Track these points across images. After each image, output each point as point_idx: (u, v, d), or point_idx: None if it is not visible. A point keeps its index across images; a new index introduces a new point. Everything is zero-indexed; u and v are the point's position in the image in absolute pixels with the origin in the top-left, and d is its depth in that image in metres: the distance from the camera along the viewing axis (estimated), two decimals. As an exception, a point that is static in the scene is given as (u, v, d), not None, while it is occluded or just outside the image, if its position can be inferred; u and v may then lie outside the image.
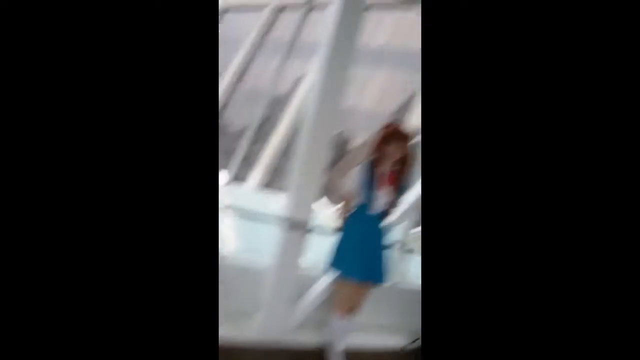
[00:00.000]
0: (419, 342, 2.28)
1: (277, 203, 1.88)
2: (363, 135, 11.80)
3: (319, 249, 2.99)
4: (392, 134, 1.73)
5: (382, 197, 1.74)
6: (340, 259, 1.77)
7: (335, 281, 1.85)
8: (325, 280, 2.01)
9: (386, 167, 1.75)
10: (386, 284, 1.83)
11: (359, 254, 1.74)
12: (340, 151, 11.96)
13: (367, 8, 1.87)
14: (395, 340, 2.30)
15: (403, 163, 1.76)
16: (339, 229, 1.81)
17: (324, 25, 1.77)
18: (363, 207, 1.77)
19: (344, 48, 1.74)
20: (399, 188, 1.78)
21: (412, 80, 11.71)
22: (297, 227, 1.82)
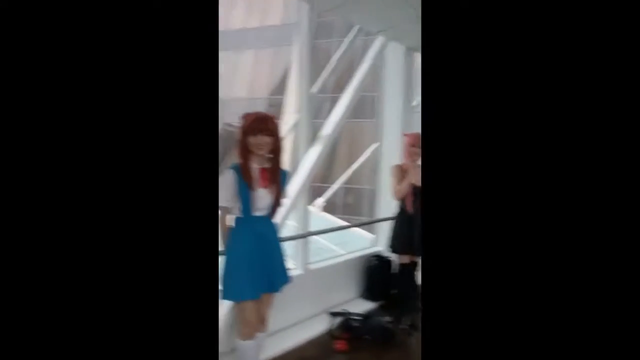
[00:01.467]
0: (339, 319, 2.28)
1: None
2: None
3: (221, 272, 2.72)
4: (250, 126, 1.48)
5: (258, 201, 1.52)
6: (231, 285, 1.52)
7: (234, 305, 1.63)
8: (226, 305, 1.78)
9: (256, 166, 1.52)
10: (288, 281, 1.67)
11: (250, 270, 1.51)
12: (227, 146, 11.57)
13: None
14: (317, 328, 2.26)
15: (275, 156, 1.54)
16: (223, 248, 1.56)
17: None
18: (242, 218, 1.53)
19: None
20: (278, 184, 1.56)
21: (279, 57, 11.79)
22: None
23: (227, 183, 1.48)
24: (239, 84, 11.98)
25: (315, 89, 2.41)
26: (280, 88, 11.28)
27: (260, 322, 1.63)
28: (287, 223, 2.11)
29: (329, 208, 5.39)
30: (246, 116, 1.52)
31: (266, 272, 1.56)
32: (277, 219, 1.72)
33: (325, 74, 3.05)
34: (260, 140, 1.46)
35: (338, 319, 2.33)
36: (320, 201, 5.18)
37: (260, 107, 11.38)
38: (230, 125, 12.42)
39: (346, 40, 2.77)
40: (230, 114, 12.06)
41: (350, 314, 2.33)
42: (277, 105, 10.89)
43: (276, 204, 1.57)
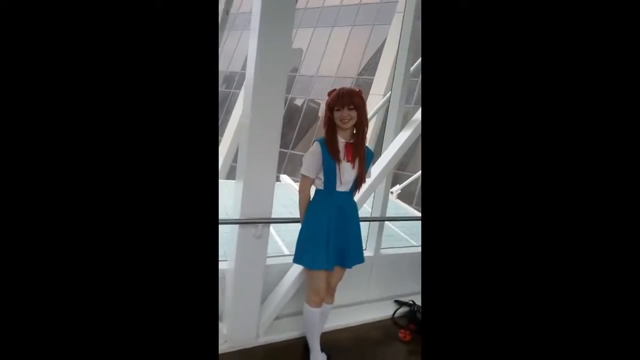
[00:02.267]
0: (405, 308, 2.26)
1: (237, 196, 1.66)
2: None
3: (291, 237, 2.86)
4: (335, 100, 1.49)
5: (344, 174, 1.53)
6: (305, 252, 1.59)
7: (305, 271, 1.70)
8: (295, 270, 1.87)
9: (341, 140, 1.54)
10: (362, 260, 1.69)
11: (325, 242, 1.55)
12: (310, 121, 11.86)
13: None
14: (382, 311, 2.27)
15: (359, 130, 1.54)
16: (303, 217, 1.62)
17: None
18: (325, 190, 1.56)
19: (277, 10, 1.46)
20: (362, 159, 1.55)
21: (373, 36, 11.49)
22: (255, 222, 1.62)
23: (313, 155, 1.52)
24: (329, 62, 12.03)
25: (412, 71, 2.31)
26: (369, 68, 11.05)
27: (328, 293, 1.69)
28: (363, 206, 2.11)
29: (404, 196, 5.24)
30: (332, 91, 1.53)
31: (341, 247, 1.59)
32: (357, 197, 1.73)
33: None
34: (345, 114, 1.48)
35: (404, 309, 2.30)
36: (397, 188, 5.05)
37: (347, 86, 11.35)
38: (313, 101, 12.68)
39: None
40: (315, 91, 12.28)
41: (416, 305, 2.28)
42: (365, 86, 10.74)
43: (359, 181, 1.57)
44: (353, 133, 1.54)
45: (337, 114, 1.49)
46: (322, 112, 12.26)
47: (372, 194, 2.24)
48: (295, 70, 12.35)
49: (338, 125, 1.51)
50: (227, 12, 1.95)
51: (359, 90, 1.53)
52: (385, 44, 10.56)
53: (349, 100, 1.47)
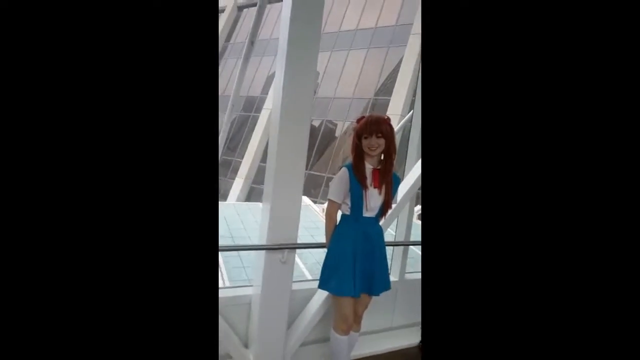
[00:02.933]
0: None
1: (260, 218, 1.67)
2: (345, 122, 11.73)
3: (312, 260, 2.83)
4: (363, 128, 1.51)
5: (370, 201, 1.53)
6: (332, 278, 1.57)
7: (331, 297, 1.67)
8: (320, 295, 1.85)
9: (368, 166, 1.54)
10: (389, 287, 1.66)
11: (352, 269, 1.54)
12: (327, 142, 11.96)
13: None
14: (408, 338, 2.20)
15: (386, 157, 1.55)
16: (328, 241, 1.61)
17: (281, 16, 1.54)
18: (352, 216, 1.56)
19: (303, 36, 1.52)
20: (389, 185, 1.55)
21: (388, 58, 11.65)
22: (280, 247, 1.62)
23: (340, 180, 1.53)
24: (345, 84, 12.23)
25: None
26: (385, 89, 11.16)
27: (355, 321, 1.65)
28: (387, 230, 2.08)
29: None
30: (360, 118, 1.55)
31: (368, 273, 1.57)
32: (383, 222, 1.71)
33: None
34: (373, 142, 1.49)
35: (431, 335, 2.21)
36: (417, 208, 4.98)
37: (365, 107, 11.47)
38: (331, 122, 12.83)
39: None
40: (333, 112, 12.44)
41: (444, 333, 2.19)
42: (382, 106, 10.81)
43: (386, 207, 1.57)
44: (381, 159, 1.55)
45: (365, 142, 1.50)
46: (339, 132, 12.38)
47: (396, 218, 2.22)
48: (313, 92, 12.58)
49: (366, 152, 1.52)
50: (252, 42, 2.03)
51: (388, 118, 1.55)
52: (402, 65, 10.68)
53: (377, 128, 1.49)
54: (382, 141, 1.50)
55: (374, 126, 1.49)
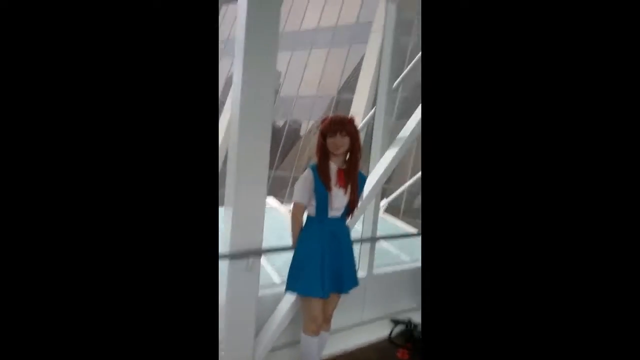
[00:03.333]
0: (401, 327, 2.22)
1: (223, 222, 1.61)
2: (309, 121, 11.73)
3: (280, 263, 2.80)
4: (328, 127, 1.50)
5: (335, 201, 1.51)
6: (299, 280, 1.54)
7: (299, 299, 1.65)
8: (288, 298, 1.82)
9: (333, 166, 1.53)
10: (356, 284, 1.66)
11: (319, 269, 1.52)
12: (291, 141, 11.91)
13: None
14: (378, 332, 2.22)
15: (351, 156, 1.54)
16: (295, 243, 1.58)
17: (238, 16, 1.49)
18: (317, 216, 1.54)
19: (261, 36, 1.47)
20: (355, 185, 1.55)
21: (350, 56, 11.78)
22: (246, 255, 1.57)
23: (305, 181, 1.51)
24: (309, 82, 12.22)
25: (395, 86, 2.35)
26: (348, 87, 11.27)
27: (324, 320, 1.64)
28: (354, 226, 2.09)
29: (392, 210, 5.25)
30: (325, 118, 1.54)
31: (336, 273, 1.55)
32: (350, 221, 1.71)
33: (403, 73, 2.95)
34: (338, 141, 1.48)
35: (400, 327, 2.25)
36: (383, 202, 5.07)
37: (328, 105, 11.51)
38: (295, 122, 12.79)
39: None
40: (297, 111, 12.40)
41: (413, 323, 2.24)
42: (345, 103, 10.90)
43: (351, 206, 1.56)
44: (345, 159, 1.54)
45: (330, 141, 1.49)
46: (304, 131, 12.36)
47: (363, 214, 2.23)
48: (276, 92, 12.47)
49: (331, 152, 1.51)
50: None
51: (352, 118, 1.55)
52: (364, 63, 10.82)
53: (341, 127, 1.49)
54: (346, 140, 1.49)
55: (338, 125, 1.49)
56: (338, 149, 1.49)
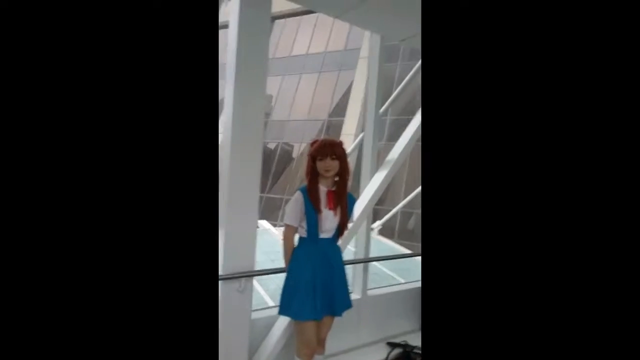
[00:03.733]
0: (398, 350, 2.18)
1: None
2: (300, 144, 11.86)
3: (273, 286, 2.76)
4: (318, 150, 1.54)
5: (325, 223, 1.53)
6: (292, 303, 1.53)
7: (293, 322, 1.63)
8: (282, 322, 1.79)
9: (323, 188, 1.56)
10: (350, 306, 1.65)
11: (312, 291, 1.51)
12: (284, 164, 11.96)
13: (274, 19, 1.70)
14: (375, 355, 2.18)
15: (340, 179, 1.58)
16: (287, 265, 1.58)
17: (228, 43, 1.55)
18: (309, 238, 1.55)
19: (251, 60, 1.53)
20: (344, 206, 1.57)
21: (340, 81, 12.09)
22: (237, 276, 1.56)
23: (295, 203, 1.53)
24: (299, 106, 12.44)
25: (382, 111, 2.42)
26: (338, 110, 11.49)
27: (318, 344, 1.62)
28: (347, 247, 2.09)
29: (386, 232, 5.26)
30: (314, 142, 1.58)
31: (329, 295, 1.55)
32: (341, 242, 1.72)
33: (391, 97, 3.05)
34: (328, 164, 1.52)
35: (397, 350, 2.22)
36: (377, 224, 5.08)
37: (319, 129, 11.68)
38: (287, 144, 12.91)
39: (416, 66, 2.75)
40: (289, 134, 12.53)
41: (410, 346, 2.21)
42: (336, 127, 11.07)
43: (342, 227, 1.58)
44: (335, 181, 1.57)
45: (320, 164, 1.52)
46: (296, 154, 12.46)
47: (355, 235, 2.24)
48: (267, 115, 12.64)
49: (320, 174, 1.54)
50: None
51: (340, 142, 1.59)
52: (353, 87, 11.10)
53: (331, 150, 1.52)
54: (336, 163, 1.53)
55: (327, 148, 1.53)
56: (328, 172, 1.52)
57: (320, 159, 1.52)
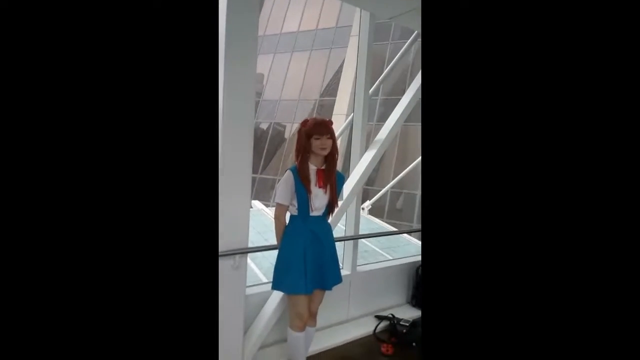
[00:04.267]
0: (385, 323, 2.30)
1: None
2: (293, 124, 11.77)
3: (267, 264, 2.84)
4: (315, 129, 1.57)
5: (315, 201, 1.59)
6: (284, 278, 1.61)
7: (285, 297, 1.71)
8: (275, 297, 1.87)
9: (312, 167, 1.61)
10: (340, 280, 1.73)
11: (302, 267, 1.58)
12: (276, 144, 11.90)
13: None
14: (363, 328, 2.30)
15: (329, 157, 1.62)
16: (279, 243, 1.65)
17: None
18: (299, 216, 1.61)
19: (240, 37, 1.53)
20: (334, 184, 1.63)
21: (332, 59, 11.91)
22: (232, 254, 1.62)
23: (286, 183, 1.57)
24: (291, 86, 12.28)
25: (369, 91, 2.44)
26: (330, 89, 11.38)
27: (310, 316, 1.71)
28: (337, 225, 2.16)
29: (375, 211, 5.37)
30: (307, 120, 1.61)
31: (319, 270, 1.62)
32: (331, 219, 1.78)
33: (381, 77, 3.05)
34: (324, 142, 1.56)
35: (384, 323, 2.34)
36: (367, 204, 5.17)
37: (310, 109, 11.58)
38: (279, 124, 12.80)
39: (405, 45, 2.75)
40: (280, 114, 12.41)
41: (396, 319, 2.32)
42: (327, 106, 10.99)
43: (332, 205, 1.64)
44: (324, 160, 1.61)
45: (316, 142, 1.56)
46: (288, 134, 12.38)
47: (345, 213, 2.31)
48: (259, 95, 12.47)
49: (315, 153, 1.58)
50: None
51: (331, 121, 1.63)
52: (344, 67, 10.95)
53: (327, 129, 1.56)
54: (331, 141, 1.57)
55: (324, 127, 1.56)
56: (324, 150, 1.56)
57: (317, 138, 1.55)
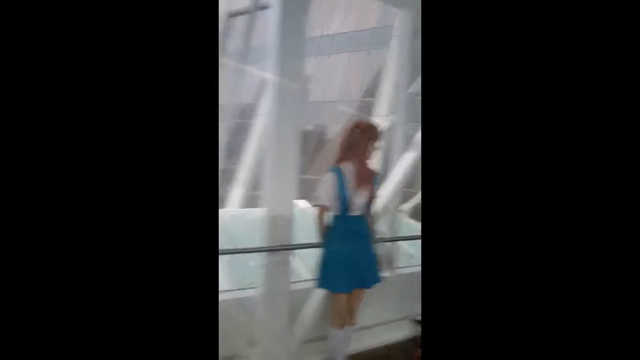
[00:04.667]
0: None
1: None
2: (335, 126, 11.82)
3: (312, 261, 2.94)
4: (376, 134, 1.67)
5: (360, 198, 1.66)
6: (326, 276, 1.69)
7: (328, 294, 1.79)
8: (318, 294, 1.95)
9: (352, 167, 1.68)
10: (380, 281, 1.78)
11: (344, 265, 1.66)
12: (317, 145, 12.02)
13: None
14: (400, 331, 2.30)
15: (370, 159, 1.71)
16: (321, 242, 1.73)
17: (268, 25, 1.66)
18: (340, 216, 1.69)
19: (291, 44, 1.63)
20: (372, 186, 1.70)
21: (373, 60, 11.81)
22: (278, 249, 1.73)
23: (328, 183, 1.65)
24: (332, 87, 12.36)
25: (411, 91, 2.43)
26: (371, 90, 11.30)
27: (349, 315, 1.77)
28: (376, 228, 2.19)
29: (417, 215, 5.27)
30: (363, 122, 1.70)
31: (359, 269, 1.69)
32: (370, 219, 1.83)
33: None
34: (370, 146, 1.66)
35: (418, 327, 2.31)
36: (408, 207, 5.09)
37: (352, 109, 11.58)
38: (322, 126, 12.91)
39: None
40: (323, 115, 12.52)
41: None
42: (368, 108, 10.92)
43: (370, 204, 1.71)
44: (363, 161, 1.69)
45: (376, 145, 1.68)
46: (330, 135, 12.45)
47: (384, 215, 2.33)
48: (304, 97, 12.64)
49: (366, 156, 1.66)
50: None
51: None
52: (386, 67, 10.81)
53: (381, 135, 1.68)
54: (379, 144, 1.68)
55: (378, 131, 1.67)
56: (368, 155, 1.66)
57: (376, 141, 1.66)
